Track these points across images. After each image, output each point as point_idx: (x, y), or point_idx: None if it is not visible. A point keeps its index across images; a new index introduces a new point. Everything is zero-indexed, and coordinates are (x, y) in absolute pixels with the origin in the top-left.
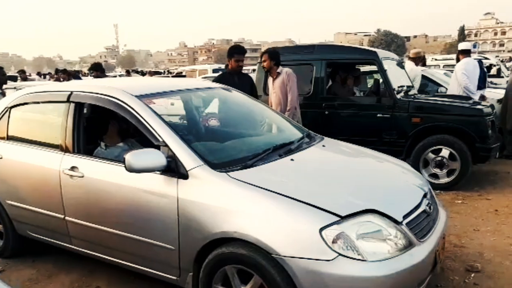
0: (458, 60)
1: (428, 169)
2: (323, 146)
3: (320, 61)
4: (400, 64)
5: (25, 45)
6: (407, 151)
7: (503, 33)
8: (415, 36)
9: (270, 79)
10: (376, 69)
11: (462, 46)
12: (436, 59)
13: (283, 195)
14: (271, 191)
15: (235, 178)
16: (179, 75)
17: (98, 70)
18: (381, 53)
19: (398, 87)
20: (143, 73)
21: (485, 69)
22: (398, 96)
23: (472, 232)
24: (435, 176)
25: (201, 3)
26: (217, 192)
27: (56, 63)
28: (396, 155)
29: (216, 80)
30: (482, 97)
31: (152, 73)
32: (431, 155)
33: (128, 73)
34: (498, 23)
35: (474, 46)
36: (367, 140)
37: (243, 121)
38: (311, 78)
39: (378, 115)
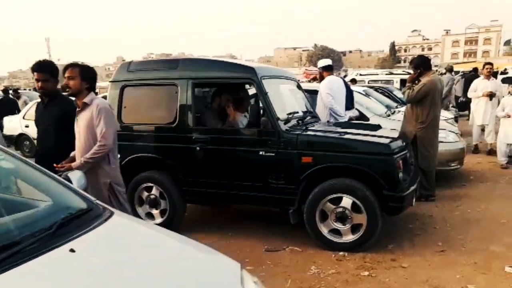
0: (322, 78)
1: (327, 224)
2: None
3: (186, 80)
4: (299, 86)
5: None
6: (300, 200)
7: (429, 49)
8: (350, 51)
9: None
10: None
11: (322, 62)
12: (361, 74)
13: None
14: None
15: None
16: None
17: None
18: (263, 70)
19: (288, 114)
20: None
21: (351, 88)
22: (284, 127)
23: None
24: (336, 232)
25: (138, 16)
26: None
27: None
28: (287, 205)
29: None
30: (350, 119)
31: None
32: (330, 205)
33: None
34: (424, 39)
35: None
36: (250, 186)
37: None
38: (176, 102)
39: (261, 152)
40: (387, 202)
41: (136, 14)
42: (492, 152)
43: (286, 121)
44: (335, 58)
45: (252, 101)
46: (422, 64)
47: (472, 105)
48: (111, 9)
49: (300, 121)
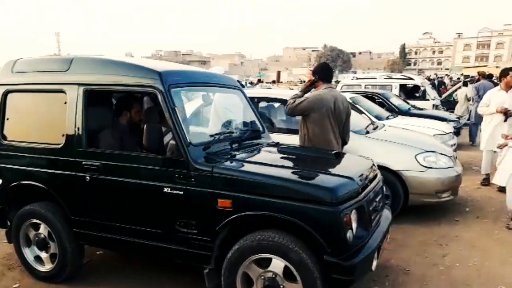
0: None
1: None
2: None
3: (77, 87)
4: (244, 95)
5: None
6: (219, 257)
7: (441, 52)
8: (360, 53)
9: None
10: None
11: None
12: (357, 78)
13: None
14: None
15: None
16: None
17: None
18: (176, 75)
19: (214, 135)
20: None
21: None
22: (197, 154)
23: None
24: None
25: (148, 13)
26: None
27: None
28: (201, 262)
29: None
30: None
31: None
32: (256, 268)
33: None
34: (435, 42)
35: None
36: (153, 233)
37: None
38: (64, 115)
39: (166, 189)
40: (329, 271)
41: (146, 10)
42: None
43: (206, 145)
44: (344, 59)
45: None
46: (318, 72)
47: (483, 124)
48: (121, 4)
49: (234, 144)
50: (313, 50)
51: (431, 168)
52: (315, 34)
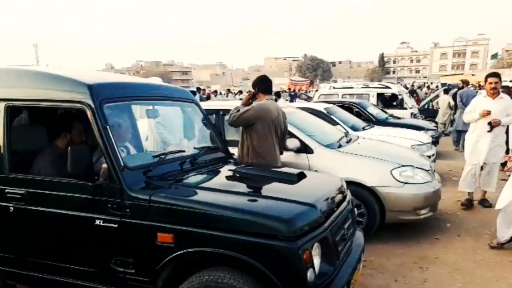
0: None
1: None
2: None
3: None
4: (196, 107)
5: None
6: None
7: (418, 60)
8: (340, 62)
9: None
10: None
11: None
12: (334, 87)
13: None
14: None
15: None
16: None
17: None
18: (110, 88)
19: (159, 156)
20: None
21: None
22: (134, 180)
23: None
24: None
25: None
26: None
27: None
28: None
29: None
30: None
31: None
32: None
33: None
34: (413, 51)
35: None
36: (86, 272)
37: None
38: None
39: (98, 221)
40: None
41: (126, 21)
42: (486, 202)
43: (147, 169)
44: (325, 68)
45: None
46: (258, 84)
47: (468, 132)
48: (101, 15)
49: (185, 165)
50: (293, 60)
51: (407, 183)
52: (296, 44)
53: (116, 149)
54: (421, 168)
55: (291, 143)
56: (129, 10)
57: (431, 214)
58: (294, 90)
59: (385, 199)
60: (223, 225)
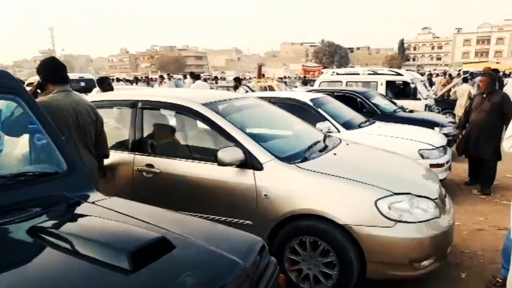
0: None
1: None
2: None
3: None
4: (22, 102)
5: None
6: None
7: (440, 47)
8: (358, 48)
9: None
10: None
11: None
12: (338, 74)
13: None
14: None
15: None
16: None
17: None
18: None
19: None
20: None
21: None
22: None
23: None
24: None
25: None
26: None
27: None
28: None
29: None
30: None
31: None
32: None
33: None
34: (434, 37)
35: None
36: None
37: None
38: None
39: None
40: None
41: (142, 5)
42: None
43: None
44: (342, 54)
45: None
46: (42, 71)
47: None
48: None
49: None
50: (310, 45)
51: (401, 222)
52: (313, 29)
53: None
54: (424, 197)
55: (230, 153)
56: None
57: (437, 266)
58: (305, 76)
59: (365, 245)
60: None
